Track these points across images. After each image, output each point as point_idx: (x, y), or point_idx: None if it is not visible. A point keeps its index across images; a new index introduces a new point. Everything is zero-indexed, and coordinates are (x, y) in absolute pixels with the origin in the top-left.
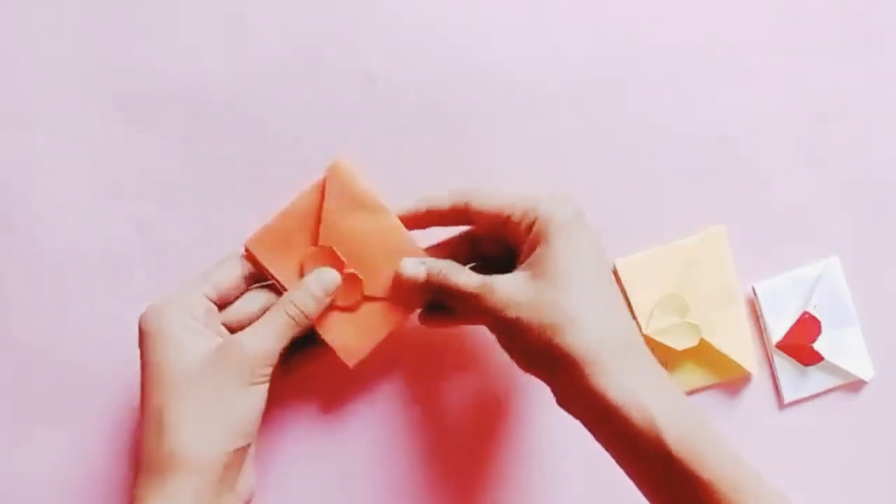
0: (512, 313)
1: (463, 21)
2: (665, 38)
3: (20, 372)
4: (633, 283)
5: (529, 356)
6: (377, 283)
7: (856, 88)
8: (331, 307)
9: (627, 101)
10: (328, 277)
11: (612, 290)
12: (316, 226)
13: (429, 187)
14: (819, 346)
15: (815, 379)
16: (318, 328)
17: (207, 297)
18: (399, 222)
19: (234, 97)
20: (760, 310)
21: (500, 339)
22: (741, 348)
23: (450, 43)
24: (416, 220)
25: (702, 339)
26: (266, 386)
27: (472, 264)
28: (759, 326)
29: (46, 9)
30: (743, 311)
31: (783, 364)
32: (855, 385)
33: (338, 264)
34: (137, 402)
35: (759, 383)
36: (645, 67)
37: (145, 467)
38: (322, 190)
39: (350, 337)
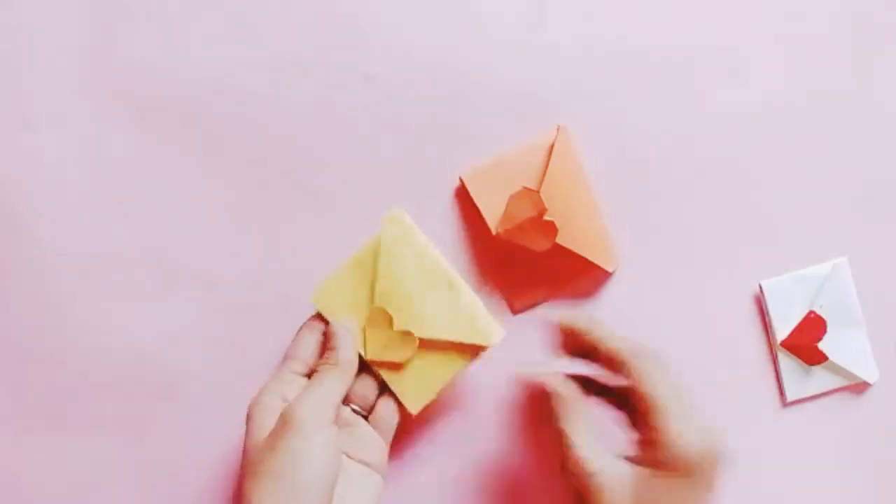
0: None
1: (463, 21)
2: (665, 38)
3: (20, 372)
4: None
5: None
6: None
7: (866, 88)
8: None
9: (628, 100)
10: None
11: None
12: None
13: (429, 188)
14: (824, 345)
15: (819, 379)
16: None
17: (297, 373)
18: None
19: (234, 97)
20: (766, 307)
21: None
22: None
23: (450, 43)
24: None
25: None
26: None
27: None
28: (765, 323)
29: (47, 9)
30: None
31: (787, 362)
32: (859, 387)
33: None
34: (137, 401)
35: (763, 381)
36: (646, 67)
37: None
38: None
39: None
